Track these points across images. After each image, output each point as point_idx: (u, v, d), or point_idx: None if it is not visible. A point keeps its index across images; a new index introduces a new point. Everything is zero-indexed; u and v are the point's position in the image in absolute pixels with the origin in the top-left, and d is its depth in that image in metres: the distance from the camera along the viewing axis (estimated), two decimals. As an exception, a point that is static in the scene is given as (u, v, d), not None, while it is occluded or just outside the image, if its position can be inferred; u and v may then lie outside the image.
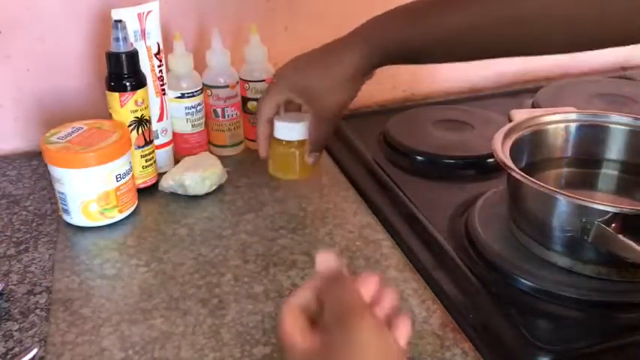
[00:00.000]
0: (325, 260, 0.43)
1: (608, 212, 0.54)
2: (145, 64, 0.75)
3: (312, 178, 0.75)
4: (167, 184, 0.75)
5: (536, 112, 0.70)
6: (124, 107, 0.71)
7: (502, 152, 0.61)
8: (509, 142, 0.64)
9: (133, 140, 0.73)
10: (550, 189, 0.56)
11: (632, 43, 0.56)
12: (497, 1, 0.57)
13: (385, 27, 0.64)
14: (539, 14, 0.56)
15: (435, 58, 0.66)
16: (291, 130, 0.70)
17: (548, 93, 0.98)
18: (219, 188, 0.77)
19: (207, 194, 0.76)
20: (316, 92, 0.66)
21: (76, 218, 0.69)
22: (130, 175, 0.71)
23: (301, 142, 0.70)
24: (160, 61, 0.77)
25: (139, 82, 0.72)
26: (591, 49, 0.58)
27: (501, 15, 0.57)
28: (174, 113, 0.81)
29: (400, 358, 0.40)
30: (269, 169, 0.74)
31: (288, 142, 0.70)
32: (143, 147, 0.74)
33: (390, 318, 0.43)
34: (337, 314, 0.39)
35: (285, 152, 0.71)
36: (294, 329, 0.40)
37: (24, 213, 0.74)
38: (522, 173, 0.58)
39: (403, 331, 0.43)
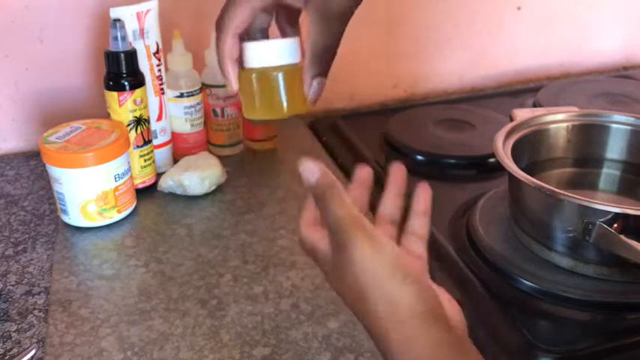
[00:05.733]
0: (310, 171, 0.40)
1: (610, 212, 0.54)
2: (144, 64, 0.75)
3: (305, 112, 0.51)
4: (166, 184, 0.75)
5: (538, 111, 0.70)
6: (123, 107, 0.71)
7: (503, 152, 0.61)
8: (510, 142, 0.64)
9: (132, 140, 0.72)
10: (552, 189, 0.56)
11: None
12: None
13: None
14: None
15: None
16: (273, 52, 0.49)
17: (550, 92, 0.98)
18: (219, 188, 0.77)
19: (207, 194, 0.75)
20: None
21: (75, 218, 0.69)
22: (128, 175, 0.70)
23: (286, 68, 0.49)
24: (159, 60, 0.77)
25: (138, 82, 0.71)
26: None
27: None
28: (173, 113, 0.80)
29: (408, 264, 0.39)
30: (244, 112, 0.53)
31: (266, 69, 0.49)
32: (142, 147, 0.74)
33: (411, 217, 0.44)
34: (333, 232, 0.40)
35: (265, 78, 0.49)
36: (315, 244, 0.42)
37: (22, 213, 0.73)
38: (524, 173, 0.58)
39: (419, 231, 0.43)
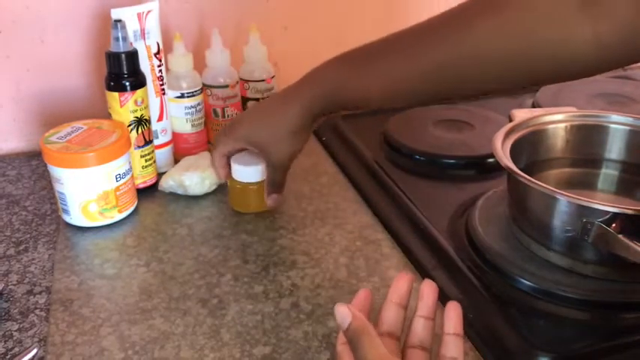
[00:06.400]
0: (343, 314, 0.43)
1: (608, 212, 0.54)
2: (145, 64, 0.75)
3: (270, 209, 0.72)
4: (167, 184, 0.75)
5: (537, 111, 0.70)
6: (124, 107, 0.71)
7: (502, 152, 0.61)
8: (509, 142, 0.64)
9: (133, 140, 0.73)
10: (550, 189, 0.56)
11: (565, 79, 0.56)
12: (450, 45, 0.56)
13: (332, 75, 0.62)
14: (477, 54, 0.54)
15: (385, 104, 0.64)
16: (247, 173, 0.70)
17: (549, 93, 0.98)
18: (219, 188, 0.77)
19: (207, 194, 0.76)
20: (266, 143, 0.67)
21: (76, 218, 0.69)
22: (129, 175, 0.71)
23: (255, 184, 0.71)
24: (160, 60, 0.77)
25: (139, 82, 0.72)
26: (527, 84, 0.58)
27: (460, 56, 0.55)
28: (173, 113, 0.81)
29: None
30: (229, 202, 0.74)
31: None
32: (143, 147, 0.74)
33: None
34: None
35: (242, 188, 0.71)
36: None
37: (24, 213, 0.74)
38: (523, 173, 0.58)
39: (453, 353, 0.45)
